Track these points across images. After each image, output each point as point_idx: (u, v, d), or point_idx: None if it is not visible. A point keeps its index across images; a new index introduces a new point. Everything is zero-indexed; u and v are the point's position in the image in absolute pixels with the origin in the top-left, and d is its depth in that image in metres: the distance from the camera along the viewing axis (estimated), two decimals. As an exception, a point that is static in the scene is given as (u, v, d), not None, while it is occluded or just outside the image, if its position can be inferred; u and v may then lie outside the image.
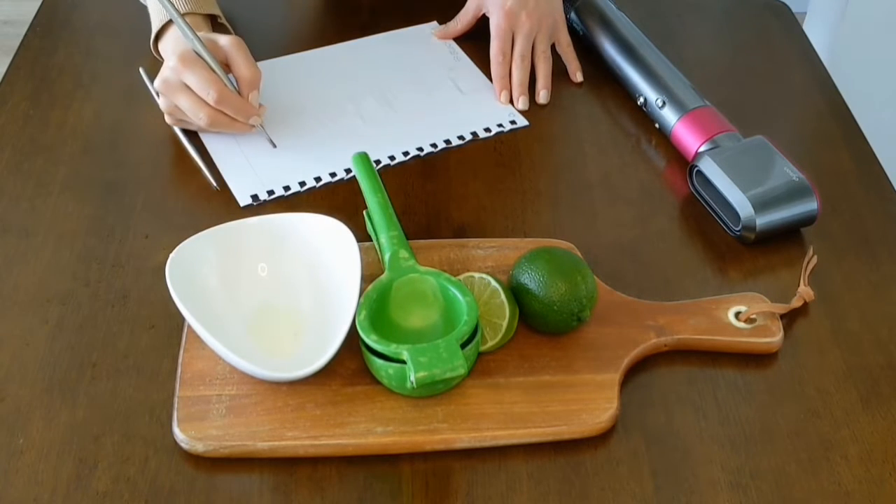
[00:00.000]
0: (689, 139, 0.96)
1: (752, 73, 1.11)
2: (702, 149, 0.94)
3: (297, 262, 0.81)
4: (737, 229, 0.88)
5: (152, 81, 0.98)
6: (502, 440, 0.72)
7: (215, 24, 1.02)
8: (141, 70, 1.03)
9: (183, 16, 0.94)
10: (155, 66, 0.97)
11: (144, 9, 1.03)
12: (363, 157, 0.87)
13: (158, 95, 0.94)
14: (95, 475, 0.70)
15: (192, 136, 0.97)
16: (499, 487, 0.71)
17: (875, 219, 0.93)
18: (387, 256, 0.79)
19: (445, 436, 0.72)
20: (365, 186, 0.85)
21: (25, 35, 1.10)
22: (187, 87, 0.91)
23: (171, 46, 0.96)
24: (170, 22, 0.97)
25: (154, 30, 0.99)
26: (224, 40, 0.94)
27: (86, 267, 0.85)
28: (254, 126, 0.95)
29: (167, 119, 0.96)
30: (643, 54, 1.03)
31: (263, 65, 1.06)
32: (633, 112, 1.03)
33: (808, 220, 0.89)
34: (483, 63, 1.07)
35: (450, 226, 0.90)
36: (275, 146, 0.95)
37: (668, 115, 0.98)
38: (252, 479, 0.71)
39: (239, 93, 0.94)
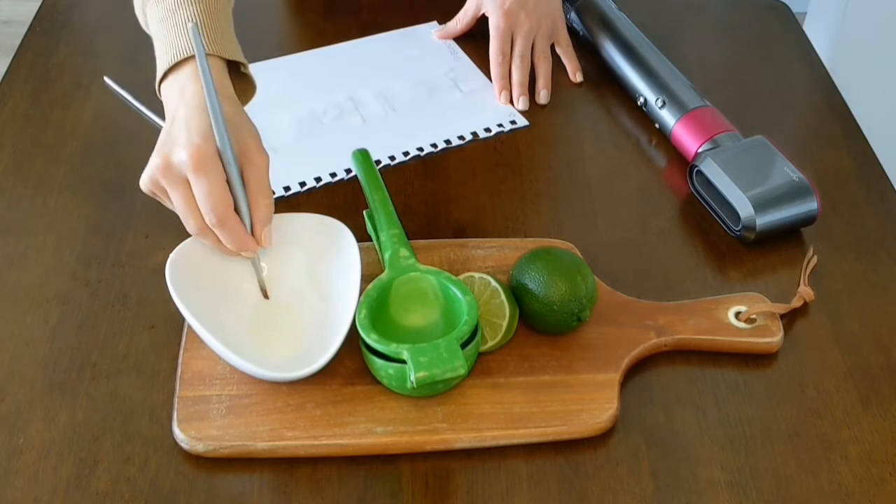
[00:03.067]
0: (689, 139, 0.96)
1: (752, 73, 1.11)
2: (702, 149, 0.94)
3: (297, 262, 0.81)
4: (737, 229, 0.88)
5: (123, 89, 0.94)
6: (502, 440, 0.72)
7: (234, 73, 0.83)
8: (107, 79, 1.01)
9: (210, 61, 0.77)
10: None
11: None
12: (363, 154, 0.87)
13: (146, 185, 0.77)
14: (95, 475, 0.70)
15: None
16: (499, 487, 0.71)
17: (875, 219, 0.93)
18: (387, 255, 0.79)
19: (445, 436, 0.72)
20: (365, 183, 0.85)
21: (25, 35, 1.10)
22: (188, 186, 0.74)
23: (187, 116, 0.75)
24: (182, 60, 0.78)
25: (162, 68, 0.80)
26: (256, 161, 0.76)
27: (86, 267, 0.85)
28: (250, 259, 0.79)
29: (143, 185, 0.77)
30: (643, 54, 1.03)
31: (263, 65, 1.07)
32: (633, 112, 1.03)
33: (808, 220, 0.89)
34: (483, 63, 1.07)
35: (450, 226, 0.90)
36: (267, 297, 0.80)
37: (668, 115, 0.98)
38: (252, 479, 0.71)
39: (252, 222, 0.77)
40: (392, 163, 0.96)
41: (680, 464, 0.72)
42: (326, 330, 0.75)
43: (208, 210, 0.73)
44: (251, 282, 0.80)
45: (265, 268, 0.80)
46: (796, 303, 0.82)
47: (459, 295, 0.75)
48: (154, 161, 0.75)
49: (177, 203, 0.75)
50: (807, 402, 0.77)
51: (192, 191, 0.74)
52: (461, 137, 0.99)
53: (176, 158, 0.74)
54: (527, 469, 0.72)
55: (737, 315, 0.81)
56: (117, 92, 1.02)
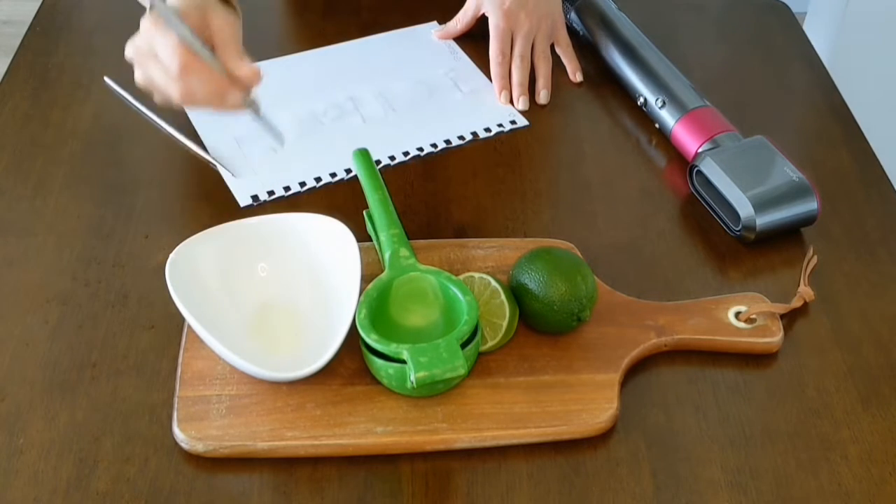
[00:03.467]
0: (689, 139, 0.96)
1: (752, 73, 1.11)
2: (702, 149, 0.94)
3: (297, 262, 0.81)
4: (737, 229, 0.88)
5: (123, 89, 0.97)
6: (502, 440, 0.72)
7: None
8: (107, 79, 1.02)
9: None
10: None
11: (145, 8, 1.03)
12: (364, 154, 0.87)
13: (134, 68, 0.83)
14: (95, 475, 0.70)
15: (192, 135, 0.97)
16: (499, 487, 0.71)
17: (875, 219, 0.93)
18: (387, 255, 0.79)
19: (445, 436, 0.72)
20: (365, 183, 0.85)
21: (25, 35, 1.10)
22: (158, 56, 0.80)
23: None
24: None
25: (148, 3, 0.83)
26: (216, 23, 0.81)
27: (86, 267, 0.85)
28: (241, 106, 0.83)
29: (155, 97, 0.84)
30: (643, 54, 1.03)
31: (264, 65, 1.06)
32: (633, 112, 1.03)
33: (808, 220, 0.89)
34: (483, 63, 1.07)
35: (450, 226, 0.90)
36: (282, 143, 0.89)
37: (668, 115, 0.98)
38: (252, 479, 0.71)
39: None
40: (392, 163, 0.96)
41: (680, 464, 0.72)
42: (326, 330, 0.75)
43: (170, 61, 0.77)
44: (251, 282, 0.80)
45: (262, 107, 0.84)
46: (796, 303, 0.82)
47: (459, 295, 0.75)
48: (127, 53, 0.82)
49: (156, 77, 0.79)
50: (807, 402, 0.77)
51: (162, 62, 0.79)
52: (461, 137, 0.99)
53: (138, 38, 0.80)
54: (527, 469, 0.72)
55: (737, 315, 0.81)
56: (117, 92, 1.02)
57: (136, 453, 0.72)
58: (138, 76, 0.84)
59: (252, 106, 0.82)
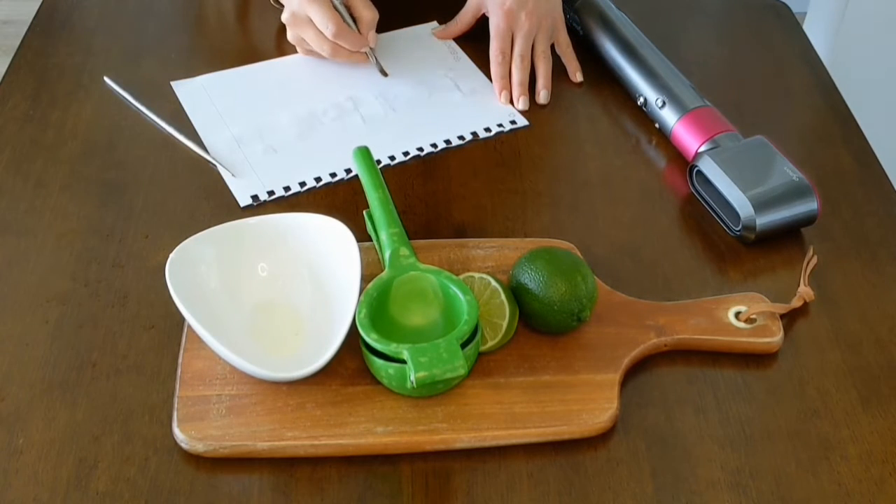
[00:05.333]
0: (689, 139, 0.96)
1: (752, 73, 1.11)
2: (702, 149, 0.94)
3: (297, 262, 0.81)
4: (737, 229, 0.88)
5: (123, 89, 1.00)
6: (502, 440, 0.72)
7: None
8: (107, 79, 1.03)
9: None
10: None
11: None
12: (364, 152, 0.87)
13: (286, 28, 1.05)
14: (95, 475, 0.70)
15: (192, 135, 0.97)
16: (499, 487, 0.71)
17: (875, 219, 0.93)
18: (387, 254, 0.79)
19: (445, 436, 0.72)
20: (366, 181, 0.85)
21: (25, 35, 1.10)
22: (311, 21, 1.01)
23: None
24: None
25: None
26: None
27: (86, 267, 0.85)
28: (368, 57, 1.05)
29: (299, 50, 1.07)
30: (643, 54, 1.03)
31: (264, 65, 1.07)
32: (633, 112, 1.03)
33: (808, 220, 0.89)
34: (483, 63, 1.07)
35: (450, 226, 0.90)
36: (386, 75, 1.05)
37: (668, 115, 0.98)
38: (252, 479, 0.71)
39: (359, 31, 1.05)
40: (392, 163, 0.96)
41: (680, 464, 0.72)
42: (326, 330, 0.75)
43: (324, 28, 1.01)
44: (251, 282, 0.80)
45: (373, 52, 1.05)
46: (796, 303, 0.82)
47: (460, 294, 0.75)
48: (285, 17, 1.03)
49: (311, 39, 1.03)
50: (807, 402, 0.77)
51: (315, 26, 1.01)
52: (461, 137, 0.99)
53: (295, 6, 1.02)
54: (527, 469, 0.72)
55: (737, 315, 0.81)
56: (117, 92, 1.02)
57: (136, 453, 0.72)
58: (290, 36, 1.05)
59: (372, 57, 1.06)
